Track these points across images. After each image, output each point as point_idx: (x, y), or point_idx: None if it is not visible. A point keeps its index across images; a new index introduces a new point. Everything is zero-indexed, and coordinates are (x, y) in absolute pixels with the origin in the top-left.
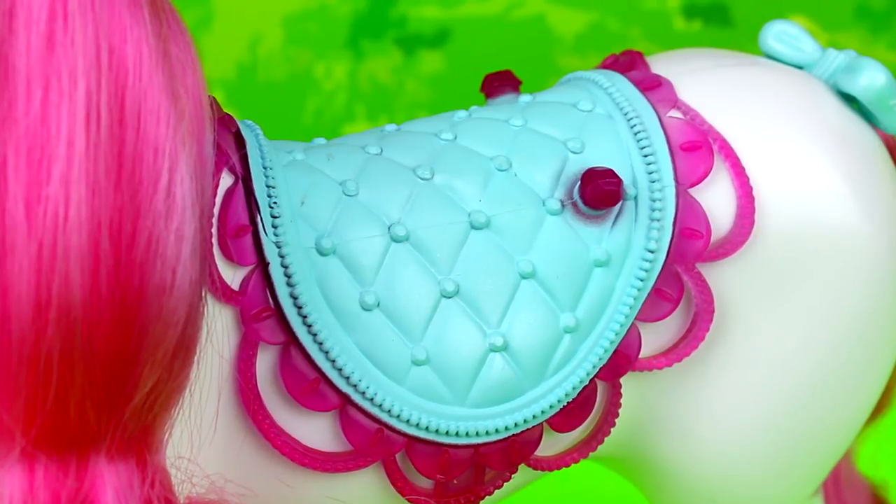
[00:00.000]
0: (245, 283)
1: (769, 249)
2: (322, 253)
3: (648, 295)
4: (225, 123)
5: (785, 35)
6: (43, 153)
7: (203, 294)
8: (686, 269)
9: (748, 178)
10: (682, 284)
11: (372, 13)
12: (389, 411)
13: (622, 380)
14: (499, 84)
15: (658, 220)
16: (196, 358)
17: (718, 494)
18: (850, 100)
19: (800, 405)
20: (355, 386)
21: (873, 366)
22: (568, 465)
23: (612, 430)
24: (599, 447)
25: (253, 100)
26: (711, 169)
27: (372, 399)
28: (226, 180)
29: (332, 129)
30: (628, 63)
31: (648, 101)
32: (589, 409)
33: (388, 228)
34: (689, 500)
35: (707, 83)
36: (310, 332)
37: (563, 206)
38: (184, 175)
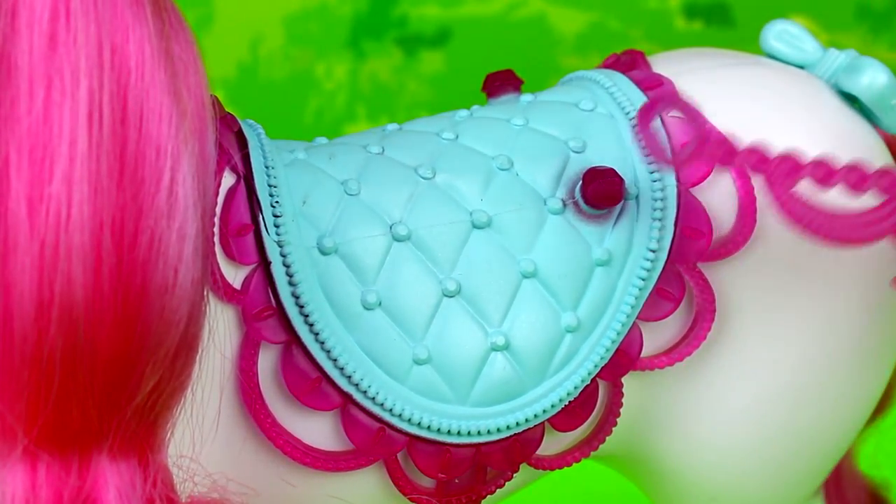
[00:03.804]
0: (247, 282)
1: (771, 249)
2: (324, 252)
3: (650, 294)
4: (227, 123)
5: (786, 35)
6: (45, 152)
7: (205, 293)
8: (687, 269)
9: (750, 178)
10: (684, 284)
11: (373, 13)
12: (391, 410)
13: (623, 379)
14: (500, 84)
15: (660, 220)
16: (198, 357)
17: (719, 494)
18: (851, 99)
19: (800, 405)
20: (357, 385)
21: (874, 365)
22: (569, 465)
23: (613, 429)
24: (601, 446)
25: (254, 99)
26: (713, 168)
27: (374, 398)
28: (228, 179)
29: (333, 128)
30: (630, 63)
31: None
32: (590, 409)
33: (390, 228)
34: (690, 499)
35: (708, 83)
36: (311, 332)
37: (564, 205)
38: (186, 174)
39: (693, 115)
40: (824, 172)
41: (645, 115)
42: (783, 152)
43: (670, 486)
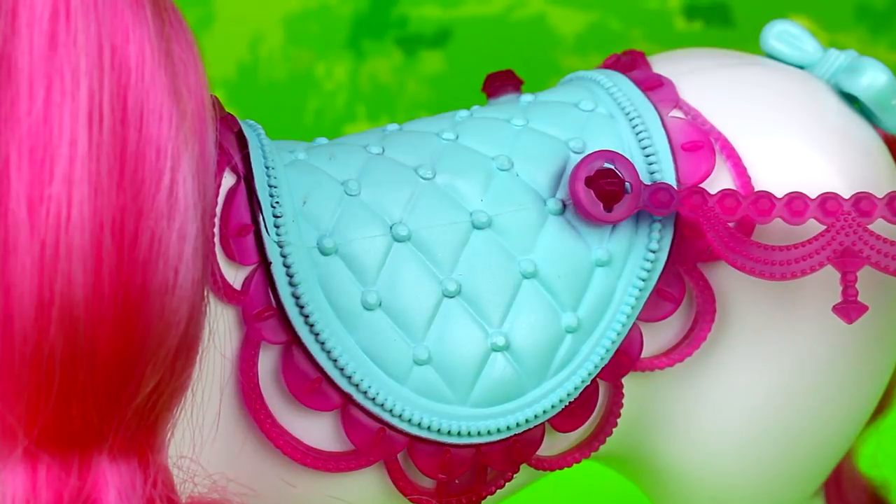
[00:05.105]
0: (247, 282)
1: None
2: (324, 252)
3: (650, 295)
4: (227, 123)
5: (786, 35)
6: (45, 153)
7: (205, 293)
8: (688, 270)
9: (750, 178)
10: (684, 284)
11: (373, 13)
12: (391, 411)
13: (624, 380)
14: (500, 84)
15: (660, 220)
16: (198, 357)
17: (719, 494)
18: (851, 99)
19: (801, 405)
20: (357, 385)
21: (875, 366)
22: (570, 465)
23: (613, 430)
24: (601, 447)
25: (254, 100)
26: (713, 169)
27: (374, 399)
28: (228, 180)
29: (333, 129)
30: (630, 63)
31: (650, 100)
32: (591, 409)
33: (390, 228)
34: (690, 499)
35: (708, 83)
36: (312, 332)
37: (564, 205)
38: (186, 174)
39: (625, 166)
40: (764, 206)
41: (577, 171)
42: (723, 190)
43: (670, 486)
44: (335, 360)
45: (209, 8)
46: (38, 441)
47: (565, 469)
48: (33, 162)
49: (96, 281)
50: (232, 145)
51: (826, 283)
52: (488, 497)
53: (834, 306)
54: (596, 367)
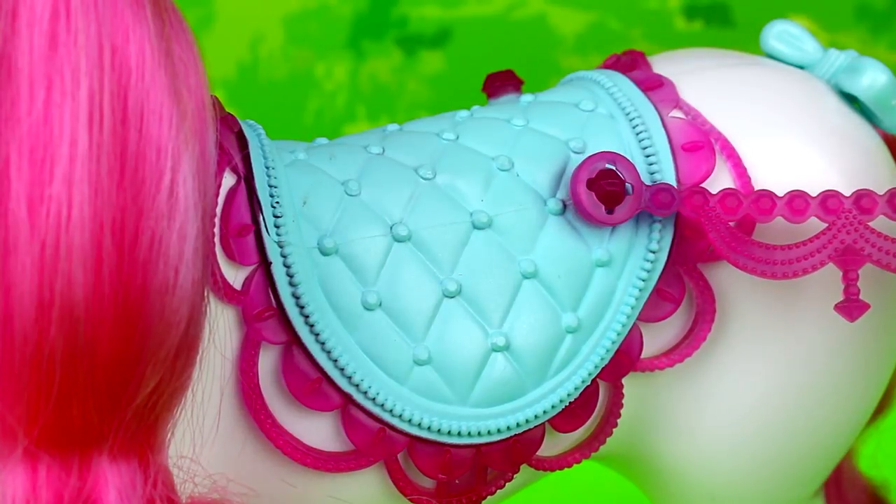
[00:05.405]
0: (247, 282)
1: None
2: (324, 252)
3: (650, 295)
4: (227, 123)
5: (786, 35)
6: (46, 153)
7: (205, 294)
8: (688, 270)
9: (750, 179)
10: (684, 285)
11: (373, 13)
12: (391, 411)
13: (624, 380)
14: (500, 84)
15: (660, 221)
16: (198, 358)
17: (719, 493)
18: (851, 100)
19: (801, 405)
20: (357, 385)
21: (875, 366)
22: (570, 465)
23: (613, 430)
24: (601, 447)
25: (254, 100)
26: (713, 169)
27: (374, 399)
28: (228, 180)
29: (333, 129)
30: (630, 63)
31: (650, 101)
32: (591, 410)
33: (391, 228)
34: (690, 499)
35: (709, 83)
36: (312, 332)
37: (565, 206)
38: (186, 174)
39: (626, 167)
40: (765, 205)
41: (579, 173)
42: (724, 190)
43: (670, 485)
44: (335, 360)
45: (209, 8)
46: (38, 441)
47: (565, 469)
48: (33, 162)
49: (96, 281)
50: (232, 145)
51: (826, 282)
52: (488, 497)
53: (836, 305)
54: (596, 367)
